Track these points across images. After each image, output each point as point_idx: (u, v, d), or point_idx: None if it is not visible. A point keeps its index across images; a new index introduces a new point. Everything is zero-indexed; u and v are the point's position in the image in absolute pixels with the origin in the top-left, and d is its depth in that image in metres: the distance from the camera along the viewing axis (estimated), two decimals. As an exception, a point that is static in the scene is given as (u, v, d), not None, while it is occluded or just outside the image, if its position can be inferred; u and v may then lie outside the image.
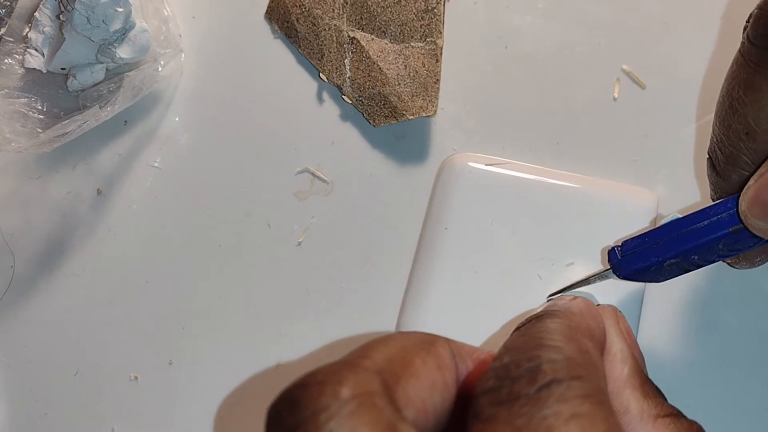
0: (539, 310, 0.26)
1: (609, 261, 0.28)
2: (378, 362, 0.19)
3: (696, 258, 0.26)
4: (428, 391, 0.20)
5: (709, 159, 0.27)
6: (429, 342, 0.21)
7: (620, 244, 0.28)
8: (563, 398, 0.17)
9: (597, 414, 0.17)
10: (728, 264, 0.30)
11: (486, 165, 0.33)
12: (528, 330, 0.21)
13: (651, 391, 0.24)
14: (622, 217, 0.32)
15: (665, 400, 0.24)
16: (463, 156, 0.34)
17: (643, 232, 0.27)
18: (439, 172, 0.35)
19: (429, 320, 0.32)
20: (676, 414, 0.23)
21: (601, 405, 0.18)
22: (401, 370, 0.19)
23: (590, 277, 0.30)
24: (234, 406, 0.34)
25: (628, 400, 0.23)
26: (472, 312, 0.31)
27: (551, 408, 0.17)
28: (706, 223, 0.25)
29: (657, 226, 0.27)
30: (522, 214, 0.32)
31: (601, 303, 0.30)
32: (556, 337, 0.20)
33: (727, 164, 0.26)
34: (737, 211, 0.24)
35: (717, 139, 0.26)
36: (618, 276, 0.28)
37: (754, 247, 0.25)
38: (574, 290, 0.31)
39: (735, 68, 0.25)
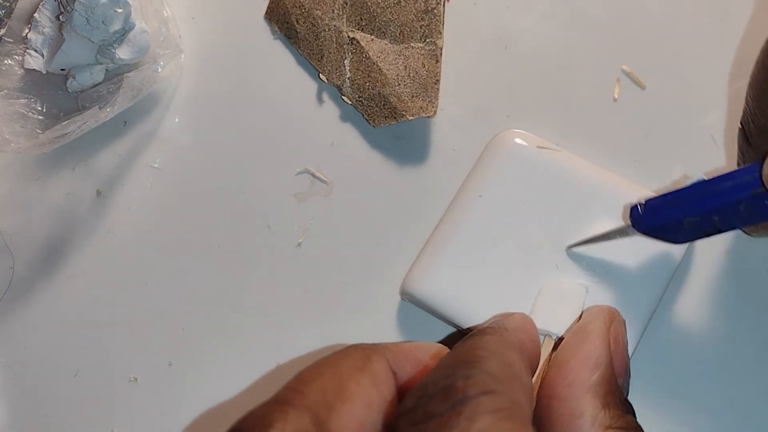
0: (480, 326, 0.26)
1: (630, 215, 0.28)
2: (310, 396, 0.19)
3: (716, 219, 0.26)
4: (365, 410, 0.20)
5: (742, 129, 0.27)
6: (364, 359, 0.21)
7: (643, 200, 0.28)
8: (471, 415, 0.17)
9: (504, 428, 0.17)
10: (746, 233, 0.30)
11: (537, 146, 0.33)
12: (456, 348, 0.21)
13: (614, 402, 0.24)
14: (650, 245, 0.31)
15: (628, 415, 0.24)
16: (516, 133, 0.34)
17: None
18: (489, 144, 0.34)
19: (436, 280, 0.32)
20: (631, 429, 0.23)
21: (511, 418, 0.18)
22: (335, 398, 0.19)
23: (610, 232, 0.30)
24: (233, 407, 0.34)
25: (585, 406, 0.23)
26: (480, 283, 0.31)
27: (460, 426, 0.17)
28: (729, 184, 0.25)
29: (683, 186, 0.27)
30: (558, 203, 0.32)
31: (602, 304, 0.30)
32: (480, 353, 0.20)
33: (759, 136, 0.26)
34: (760, 174, 0.24)
35: (751, 111, 0.26)
36: (637, 230, 0.28)
37: None
38: (593, 244, 0.31)
39: None
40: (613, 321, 0.27)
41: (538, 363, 0.25)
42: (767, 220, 0.25)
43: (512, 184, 0.33)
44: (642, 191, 0.32)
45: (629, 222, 0.28)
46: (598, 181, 0.32)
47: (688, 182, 0.26)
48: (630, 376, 0.26)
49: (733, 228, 0.26)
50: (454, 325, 0.32)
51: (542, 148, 0.33)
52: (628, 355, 0.26)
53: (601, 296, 0.31)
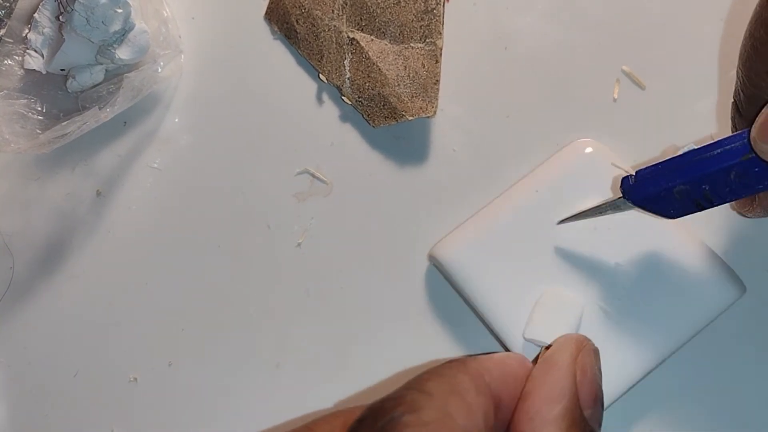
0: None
1: (621, 187, 0.28)
2: None
3: (707, 189, 0.25)
4: None
5: (734, 102, 0.27)
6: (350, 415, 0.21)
7: (635, 171, 0.27)
8: None
9: None
10: (741, 214, 0.30)
11: (611, 162, 0.32)
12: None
13: None
14: (702, 291, 0.30)
15: None
16: (593, 143, 0.33)
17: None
18: (564, 148, 0.34)
19: (465, 253, 0.32)
20: None
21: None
22: None
23: (602, 205, 0.29)
24: (233, 407, 0.34)
25: None
26: (504, 271, 0.31)
27: None
28: (719, 151, 0.25)
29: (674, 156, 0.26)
30: (613, 228, 0.31)
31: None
32: (426, 377, 0.20)
33: (749, 104, 0.26)
34: (749, 139, 0.24)
35: (740, 82, 0.26)
36: (629, 201, 0.27)
37: (766, 189, 0.24)
38: (584, 218, 0.30)
39: (758, 9, 0.25)
40: (582, 350, 0.26)
41: (507, 388, 0.24)
42: (758, 191, 0.25)
43: (571, 190, 0.32)
44: (697, 245, 0.31)
45: (620, 194, 0.28)
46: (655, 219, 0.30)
47: (680, 151, 0.26)
48: (603, 407, 0.25)
49: (724, 200, 0.25)
50: (468, 301, 0.32)
51: (616, 166, 0.32)
52: (599, 385, 0.25)
53: (620, 323, 0.30)
